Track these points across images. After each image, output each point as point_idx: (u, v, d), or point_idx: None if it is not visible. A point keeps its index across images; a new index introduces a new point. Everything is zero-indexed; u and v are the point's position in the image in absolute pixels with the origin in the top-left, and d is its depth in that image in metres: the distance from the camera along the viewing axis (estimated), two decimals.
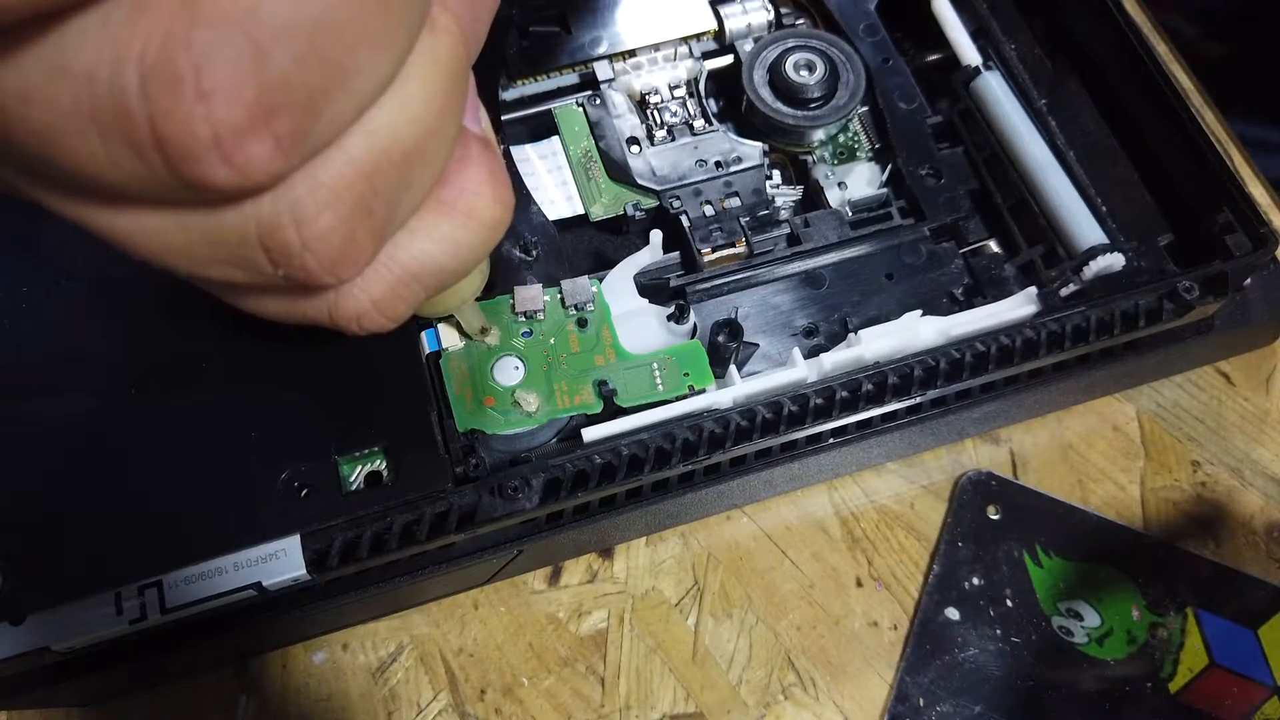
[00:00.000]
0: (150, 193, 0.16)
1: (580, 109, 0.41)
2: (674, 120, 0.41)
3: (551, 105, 0.41)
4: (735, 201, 0.39)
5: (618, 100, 0.40)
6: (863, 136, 0.41)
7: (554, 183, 0.39)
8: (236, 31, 0.14)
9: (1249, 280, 0.36)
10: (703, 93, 0.41)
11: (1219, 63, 0.47)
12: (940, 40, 0.41)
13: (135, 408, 0.30)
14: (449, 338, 0.33)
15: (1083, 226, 0.36)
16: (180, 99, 0.14)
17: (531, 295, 0.34)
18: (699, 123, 0.41)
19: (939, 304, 0.36)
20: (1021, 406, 0.38)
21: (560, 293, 0.34)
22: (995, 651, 0.35)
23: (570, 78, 0.41)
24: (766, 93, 0.40)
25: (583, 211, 0.39)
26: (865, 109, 0.41)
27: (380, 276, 0.20)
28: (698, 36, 0.42)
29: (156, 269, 0.18)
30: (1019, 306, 0.34)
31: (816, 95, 0.39)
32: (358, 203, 0.17)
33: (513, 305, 0.34)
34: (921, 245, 0.37)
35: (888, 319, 0.34)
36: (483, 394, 0.32)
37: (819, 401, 0.32)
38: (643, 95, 0.41)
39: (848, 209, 0.39)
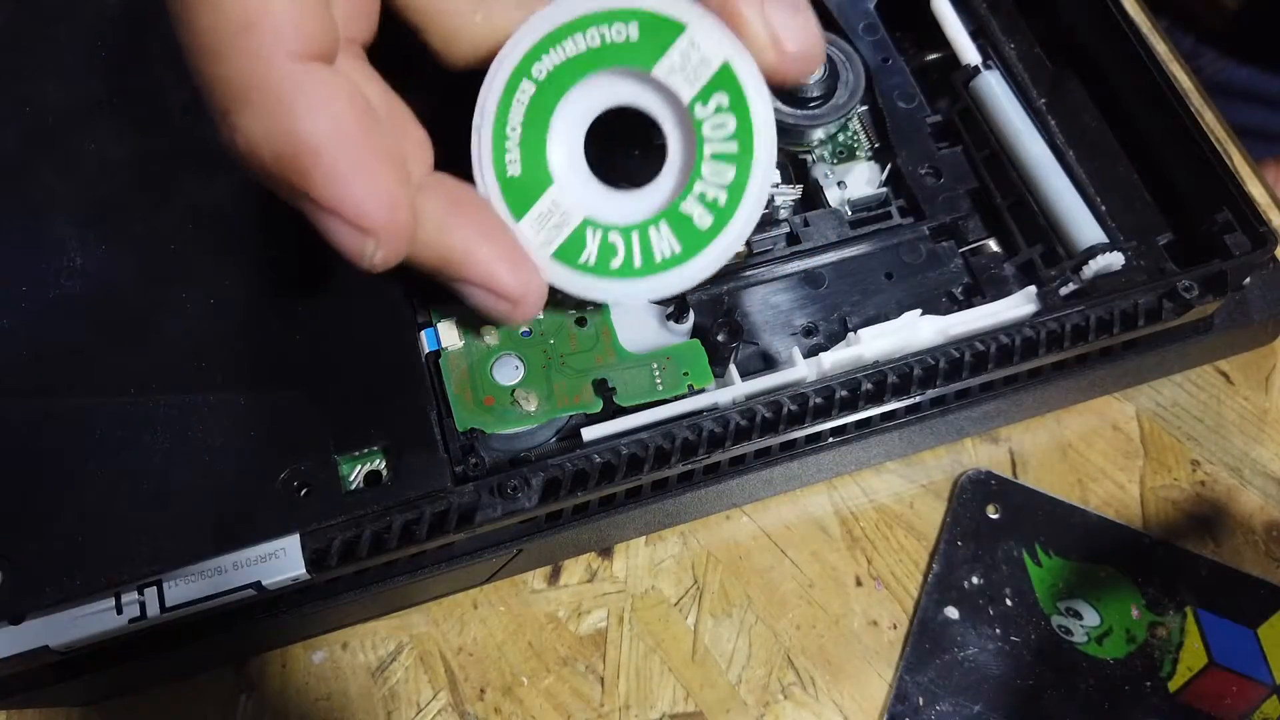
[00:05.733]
0: None
1: None
2: None
3: None
4: None
5: None
6: (862, 135, 0.41)
7: None
8: None
9: (1248, 279, 0.36)
10: None
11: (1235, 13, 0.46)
12: (940, 39, 0.41)
13: (135, 406, 0.30)
14: (449, 337, 0.33)
15: (1082, 226, 0.36)
16: None
17: None
18: None
19: (938, 303, 0.36)
20: (1021, 406, 0.38)
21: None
22: (995, 651, 0.35)
23: None
24: None
25: None
26: (865, 108, 0.41)
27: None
28: None
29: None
30: (1018, 306, 0.34)
31: (815, 94, 0.39)
32: None
33: None
34: (921, 244, 0.37)
35: (887, 318, 0.34)
36: (482, 393, 0.32)
37: (818, 401, 0.32)
38: None
39: (847, 208, 0.39)
